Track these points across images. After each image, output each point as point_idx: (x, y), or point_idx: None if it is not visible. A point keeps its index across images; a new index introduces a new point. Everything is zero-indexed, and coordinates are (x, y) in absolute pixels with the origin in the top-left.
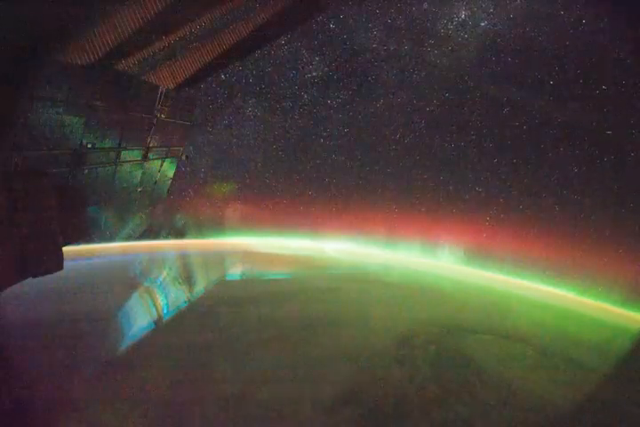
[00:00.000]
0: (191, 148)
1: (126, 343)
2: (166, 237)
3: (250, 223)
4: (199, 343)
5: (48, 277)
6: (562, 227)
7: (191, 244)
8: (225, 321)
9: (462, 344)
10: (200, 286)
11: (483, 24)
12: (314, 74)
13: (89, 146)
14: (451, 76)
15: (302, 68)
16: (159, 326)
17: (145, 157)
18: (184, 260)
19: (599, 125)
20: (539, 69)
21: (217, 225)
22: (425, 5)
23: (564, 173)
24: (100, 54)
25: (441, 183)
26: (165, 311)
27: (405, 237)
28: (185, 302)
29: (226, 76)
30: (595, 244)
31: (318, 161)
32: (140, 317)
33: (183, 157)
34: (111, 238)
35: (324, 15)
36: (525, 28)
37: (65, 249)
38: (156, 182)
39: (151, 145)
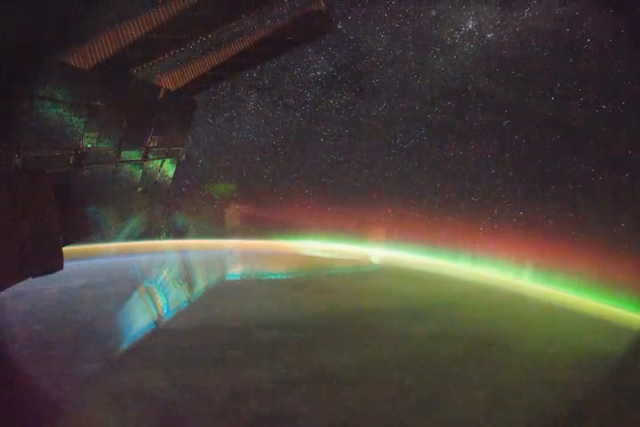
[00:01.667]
0: (191, 139)
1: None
2: (166, 237)
3: (286, 226)
4: None
5: (48, 277)
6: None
7: (191, 244)
8: None
9: None
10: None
11: (489, 35)
12: (318, 73)
13: (89, 146)
14: (454, 86)
15: (307, 66)
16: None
17: (145, 157)
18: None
19: (602, 139)
20: (542, 85)
21: (254, 226)
22: (433, 13)
23: (566, 182)
24: (99, 54)
25: (438, 191)
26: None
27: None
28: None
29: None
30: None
31: (316, 160)
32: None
33: (183, 157)
34: (111, 238)
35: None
36: (531, 43)
37: (65, 249)
38: (156, 182)
39: (151, 145)
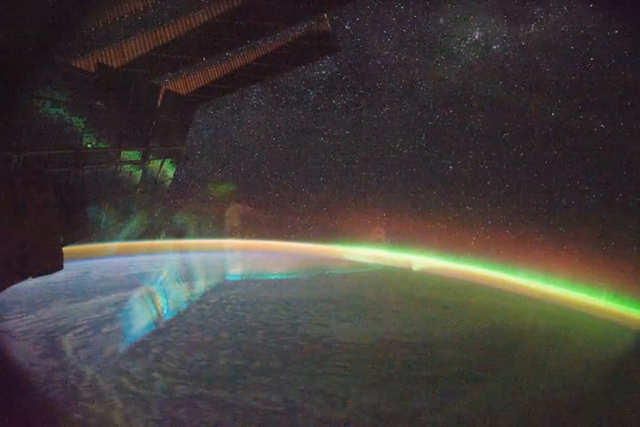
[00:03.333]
0: (192, 132)
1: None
2: (166, 237)
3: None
4: None
5: (48, 277)
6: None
7: (191, 244)
8: None
9: None
10: None
11: (494, 47)
12: (322, 72)
13: (89, 146)
14: (456, 94)
15: (312, 65)
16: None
17: (145, 157)
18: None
19: (599, 155)
20: (543, 100)
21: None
22: (441, 20)
23: (564, 192)
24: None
25: (433, 197)
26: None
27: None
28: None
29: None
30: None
31: (315, 159)
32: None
33: (183, 157)
34: (111, 238)
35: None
36: (535, 58)
37: (65, 249)
38: (155, 182)
39: (151, 145)
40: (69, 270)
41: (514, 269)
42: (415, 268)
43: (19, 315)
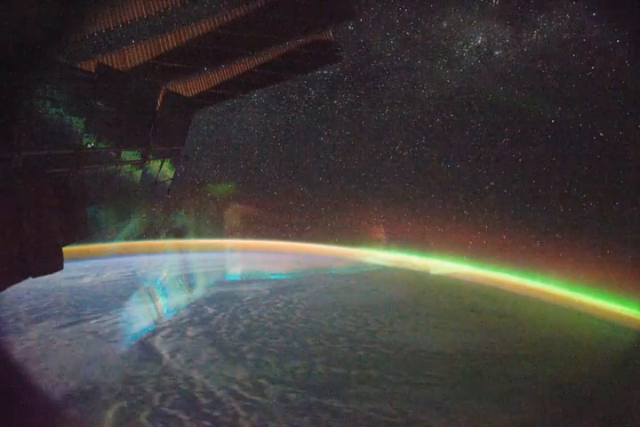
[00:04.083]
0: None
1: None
2: (166, 237)
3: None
4: None
5: (48, 277)
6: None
7: (191, 244)
8: None
9: None
10: None
11: (497, 53)
12: (324, 72)
13: (89, 146)
14: (457, 99)
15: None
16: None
17: (145, 157)
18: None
19: (598, 165)
20: (543, 106)
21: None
22: (444, 24)
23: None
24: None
25: (430, 201)
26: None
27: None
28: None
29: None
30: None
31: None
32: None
33: (183, 157)
34: (111, 238)
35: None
36: (537, 65)
37: (65, 249)
38: (155, 182)
39: (151, 145)
40: (121, 268)
41: (530, 273)
42: (435, 272)
43: (92, 314)
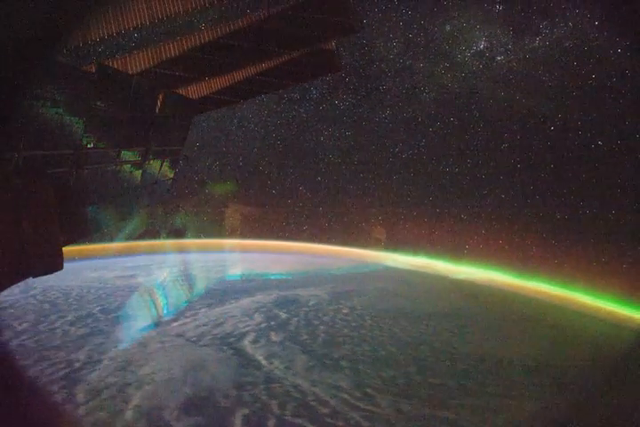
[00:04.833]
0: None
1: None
2: (166, 237)
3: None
4: None
5: (48, 277)
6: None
7: (191, 244)
8: None
9: None
10: None
11: (499, 58)
12: None
13: (89, 146)
14: (458, 103)
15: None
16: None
17: (145, 157)
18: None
19: (595, 172)
20: (544, 113)
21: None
22: (447, 28)
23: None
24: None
25: (430, 202)
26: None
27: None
28: None
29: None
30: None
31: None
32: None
33: (183, 157)
34: (111, 238)
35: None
36: (538, 71)
37: (65, 249)
38: (156, 182)
39: (151, 145)
40: (168, 268)
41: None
42: (456, 277)
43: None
